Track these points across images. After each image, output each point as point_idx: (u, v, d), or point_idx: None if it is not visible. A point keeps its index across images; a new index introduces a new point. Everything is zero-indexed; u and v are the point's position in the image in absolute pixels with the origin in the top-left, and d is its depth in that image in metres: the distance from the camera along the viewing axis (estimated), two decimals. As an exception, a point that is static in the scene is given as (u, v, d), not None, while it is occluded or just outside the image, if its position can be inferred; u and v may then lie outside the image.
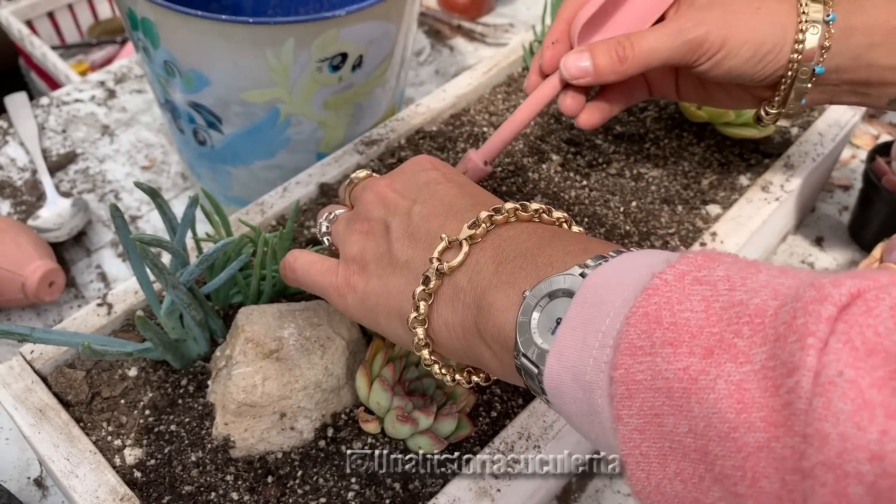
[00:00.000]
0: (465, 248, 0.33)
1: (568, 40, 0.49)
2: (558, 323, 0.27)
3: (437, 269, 0.33)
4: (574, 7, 0.49)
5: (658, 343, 0.24)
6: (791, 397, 0.21)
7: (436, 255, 0.33)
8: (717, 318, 0.23)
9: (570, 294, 0.27)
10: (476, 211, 0.34)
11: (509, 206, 0.34)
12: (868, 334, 0.20)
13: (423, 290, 0.33)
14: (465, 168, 0.51)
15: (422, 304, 0.33)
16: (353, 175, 0.43)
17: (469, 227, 0.33)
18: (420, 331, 0.34)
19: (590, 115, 0.50)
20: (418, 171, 0.39)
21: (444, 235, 0.33)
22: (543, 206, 0.34)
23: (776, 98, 0.48)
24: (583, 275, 0.28)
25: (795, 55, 0.45)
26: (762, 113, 0.49)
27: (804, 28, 0.44)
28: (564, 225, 0.35)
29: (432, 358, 0.35)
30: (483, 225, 0.33)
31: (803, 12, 0.44)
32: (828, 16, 0.44)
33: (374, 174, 0.43)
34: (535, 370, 0.28)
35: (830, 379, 0.20)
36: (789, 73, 0.45)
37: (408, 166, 0.40)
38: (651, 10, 0.48)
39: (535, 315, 0.28)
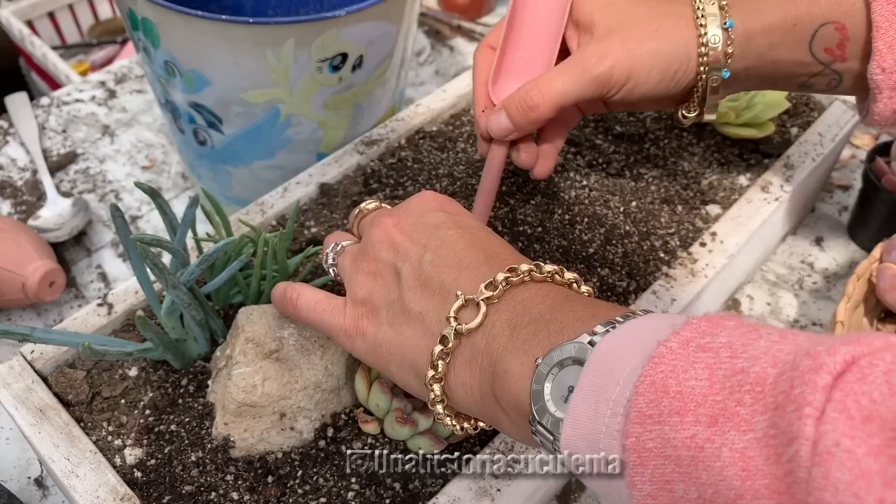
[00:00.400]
0: (483, 309, 0.33)
1: (492, 103, 0.50)
2: (570, 391, 0.28)
3: (455, 330, 0.33)
4: (484, 70, 0.50)
5: (666, 411, 0.25)
6: (792, 466, 0.21)
7: (452, 313, 0.33)
8: (720, 387, 0.24)
9: (580, 362, 0.28)
10: (490, 266, 0.35)
11: (524, 267, 0.34)
12: (863, 402, 0.21)
13: (442, 349, 0.33)
14: None
15: (440, 364, 0.33)
16: (362, 205, 0.43)
17: (486, 288, 0.33)
18: (437, 388, 0.34)
19: (542, 164, 0.51)
20: (426, 210, 0.38)
21: (459, 293, 0.34)
22: (557, 268, 0.35)
23: (693, 103, 0.48)
24: (591, 343, 0.28)
25: (702, 67, 0.45)
26: (681, 116, 0.50)
27: (706, 41, 0.45)
28: (575, 286, 0.35)
29: (446, 412, 0.35)
30: (500, 286, 0.33)
31: (701, 24, 0.45)
32: (725, 23, 0.44)
33: (384, 205, 0.42)
34: (551, 438, 0.29)
35: (828, 449, 0.21)
36: (699, 83, 0.46)
37: (416, 204, 0.39)
38: (548, 46, 0.49)
39: (548, 384, 0.29)
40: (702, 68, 0.45)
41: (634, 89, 0.46)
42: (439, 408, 0.35)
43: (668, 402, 0.25)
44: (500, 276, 0.33)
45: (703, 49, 0.45)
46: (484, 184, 0.51)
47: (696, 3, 0.45)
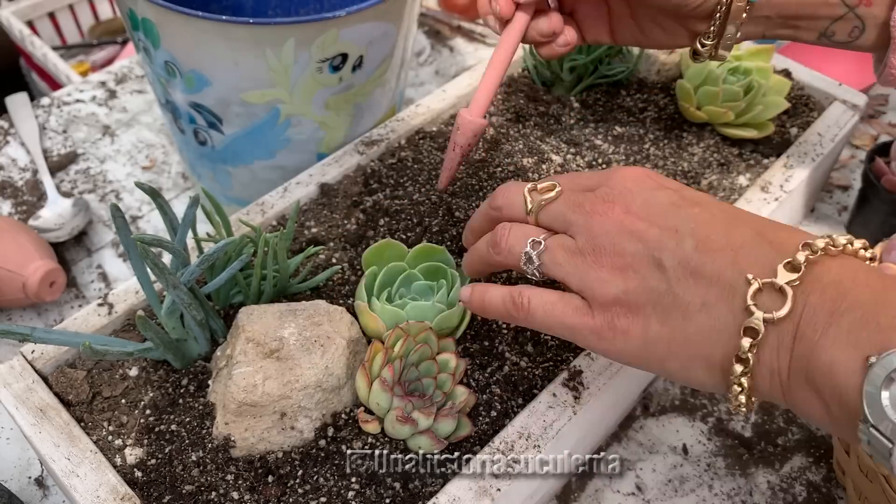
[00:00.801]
0: (790, 293, 0.30)
1: None
2: None
3: (763, 320, 0.30)
4: None
5: None
6: None
7: (750, 301, 0.31)
8: None
9: None
10: (767, 244, 0.32)
11: (820, 243, 0.31)
12: None
13: (752, 342, 0.31)
14: (461, 127, 0.49)
15: (750, 356, 0.31)
16: (536, 193, 0.38)
17: (788, 269, 0.30)
18: (746, 381, 0.31)
19: (567, 33, 0.50)
20: (648, 189, 0.35)
21: (750, 277, 0.31)
22: (847, 237, 0.32)
23: (711, 29, 0.46)
24: None
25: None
26: (698, 45, 0.48)
27: None
28: (870, 260, 0.33)
29: (747, 401, 0.32)
30: (802, 267, 0.30)
31: None
32: None
33: (569, 189, 0.38)
34: (890, 445, 0.27)
35: None
36: (724, 0, 0.44)
37: (630, 184, 0.36)
38: None
39: (885, 392, 0.27)
40: None
41: None
42: (742, 398, 0.32)
43: None
44: (801, 257, 0.30)
45: None
46: (495, 58, 0.48)
47: None
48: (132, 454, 0.43)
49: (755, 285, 0.31)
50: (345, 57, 0.57)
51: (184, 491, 0.41)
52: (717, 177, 0.62)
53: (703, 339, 0.32)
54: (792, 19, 0.45)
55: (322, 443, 0.43)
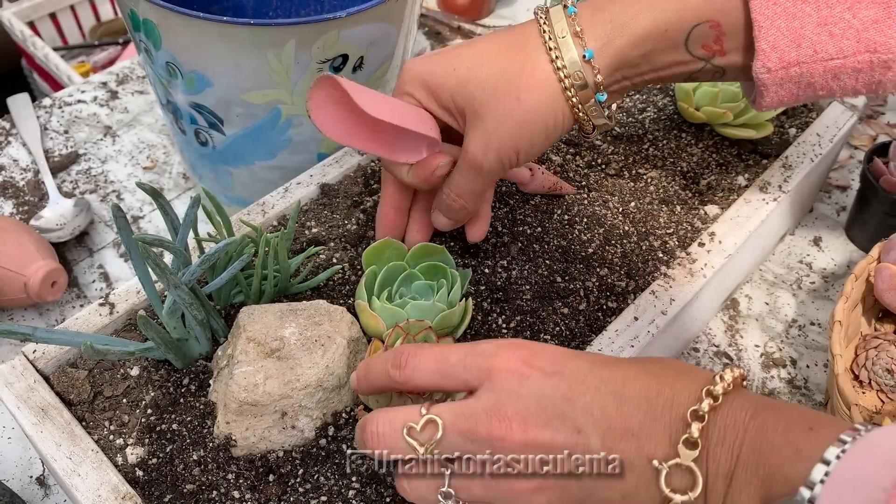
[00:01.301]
0: (699, 473, 0.32)
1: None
2: None
3: (683, 502, 0.32)
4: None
5: None
6: None
7: (665, 490, 0.32)
8: None
9: None
10: (658, 419, 0.33)
11: (705, 406, 0.32)
12: None
13: None
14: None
15: None
16: (422, 438, 0.36)
17: (688, 447, 0.32)
18: None
19: (479, 227, 0.52)
20: (535, 385, 0.35)
21: (656, 464, 0.32)
22: (723, 383, 0.33)
23: (586, 128, 0.46)
24: (812, 500, 0.28)
25: (577, 108, 0.43)
26: (583, 134, 0.48)
27: (569, 85, 0.42)
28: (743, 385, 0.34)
29: None
30: (700, 443, 0.32)
31: (559, 68, 0.42)
32: (584, 55, 0.42)
33: (449, 413, 0.36)
34: None
35: None
36: (582, 117, 0.44)
37: (513, 384, 0.35)
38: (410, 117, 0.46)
39: None
40: (577, 109, 0.43)
41: (529, 155, 0.45)
42: None
43: None
44: (695, 431, 0.32)
45: (570, 93, 0.42)
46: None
47: (547, 42, 0.42)
48: (133, 453, 0.43)
49: (664, 471, 0.32)
50: (345, 58, 0.57)
51: (185, 490, 0.41)
52: (715, 177, 0.62)
53: None
54: (652, 81, 0.45)
55: (323, 442, 0.43)
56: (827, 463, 0.28)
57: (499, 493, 0.35)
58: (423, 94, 0.45)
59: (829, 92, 0.41)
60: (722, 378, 0.33)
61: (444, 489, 0.36)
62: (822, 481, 0.28)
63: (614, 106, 0.45)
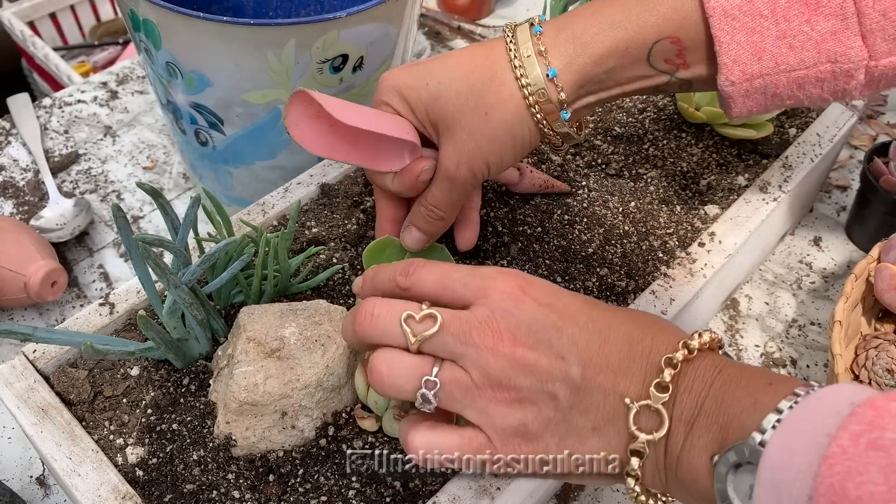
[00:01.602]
0: (666, 415, 0.34)
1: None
2: (751, 488, 0.30)
3: (647, 442, 0.34)
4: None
5: None
6: None
7: (632, 427, 0.34)
8: None
9: (755, 460, 0.30)
10: (640, 360, 0.35)
11: (679, 356, 0.34)
12: None
13: (640, 463, 0.34)
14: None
15: (639, 472, 0.34)
16: (417, 329, 0.37)
17: (659, 391, 0.34)
18: (639, 488, 0.35)
19: (468, 234, 0.52)
20: (525, 309, 0.36)
21: (628, 402, 0.34)
22: (701, 341, 0.35)
23: (554, 142, 0.47)
24: (762, 443, 0.30)
25: (542, 124, 0.44)
26: (552, 147, 0.49)
27: (533, 102, 0.43)
28: (720, 349, 0.37)
29: (648, 502, 0.36)
30: (671, 386, 0.34)
31: (524, 86, 0.43)
32: (547, 74, 0.43)
33: (431, 310, 0.37)
34: None
35: None
36: (548, 132, 0.45)
37: (508, 305, 0.36)
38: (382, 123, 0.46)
39: (730, 485, 0.31)
40: (542, 126, 0.44)
41: (500, 167, 0.46)
42: (642, 499, 0.35)
43: None
44: (667, 376, 0.34)
45: (534, 109, 0.44)
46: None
47: (512, 61, 0.43)
48: (133, 453, 0.43)
49: (634, 409, 0.34)
50: (345, 58, 0.57)
51: (185, 490, 0.41)
52: (715, 177, 0.62)
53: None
54: (618, 95, 0.46)
55: (323, 442, 0.43)
56: (779, 412, 0.30)
57: (478, 402, 0.36)
58: (399, 105, 0.46)
59: (797, 101, 0.42)
60: (699, 336, 0.35)
61: (428, 378, 0.36)
62: (773, 427, 0.30)
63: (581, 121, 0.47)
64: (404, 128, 0.45)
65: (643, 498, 0.35)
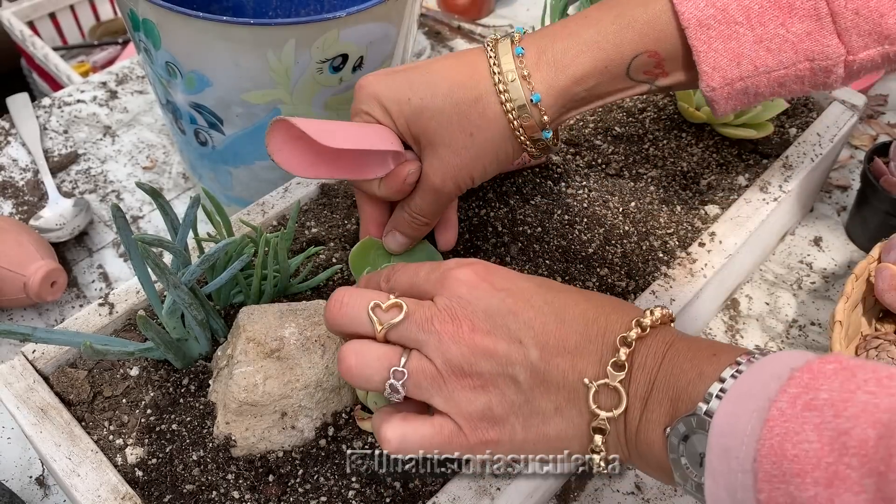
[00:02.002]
0: (623, 392, 0.35)
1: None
2: (702, 456, 0.31)
3: (608, 419, 0.35)
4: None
5: (788, 473, 0.27)
6: None
7: (593, 405, 0.35)
8: (829, 449, 0.27)
9: (703, 429, 0.31)
10: (595, 340, 0.36)
11: (632, 334, 0.35)
12: None
13: (602, 439, 0.36)
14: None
15: (602, 448, 0.36)
16: (384, 317, 0.38)
17: (616, 369, 0.35)
18: (603, 463, 0.36)
19: (449, 234, 0.53)
20: (482, 296, 0.37)
21: (587, 381, 0.35)
22: (651, 318, 0.36)
23: (532, 153, 0.48)
24: (709, 413, 0.31)
25: (526, 145, 0.46)
26: (531, 158, 0.49)
27: (518, 125, 0.44)
28: (670, 322, 0.38)
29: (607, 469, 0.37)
30: (626, 366, 0.35)
31: (508, 110, 0.44)
32: (531, 98, 0.44)
33: (400, 300, 0.38)
34: (700, 496, 0.32)
35: None
36: (529, 148, 0.46)
37: (464, 292, 0.37)
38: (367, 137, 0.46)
39: (683, 456, 0.33)
40: (525, 144, 0.46)
41: (483, 179, 0.47)
42: (604, 471, 0.37)
43: (788, 465, 0.27)
44: (623, 355, 0.35)
45: (518, 132, 0.45)
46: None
47: (497, 85, 0.44)
48: (133, 453, 0.43)
49: (593, 388, 0.35)
50: (345, 57, 0.57)
51: (184, 490, 0.41)
52: (716, 177, 0.62)
53: (562, 439, 0.37)
54: (600, 107, 0.47)
55: (322, 442, 0.43)
56: (722, 381, 0.32)
57: (444, 389, 0.37)
58: (380, 115, 0.46)
59: (779, 96, 0.44)
60: (651, 313, 0.36)
61: (396, 368, 0.37)
62: (718, 396, 0.31)
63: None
64: (387, 137, 0.46)
65: (604, 469, 0.37)
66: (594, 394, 0.35)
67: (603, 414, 0.35)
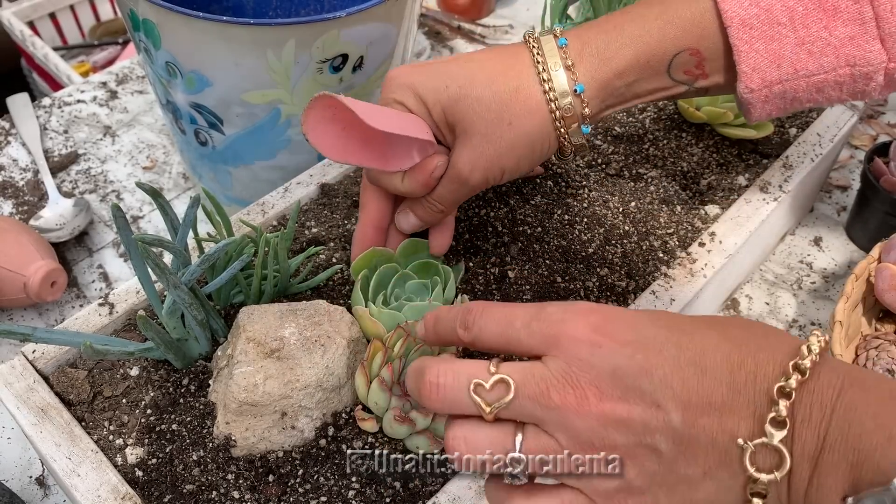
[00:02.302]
0: (787, 454, 0.30)
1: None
2: None
3: (768, 482, 0.30)
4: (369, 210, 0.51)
5: None
6: None
7: (750, 469, 0.30)
8: None
9: None
10: (742, 391, 0.31)
11: (792, 383, 0.30)
12: None
13: (762, 502, 0.31)
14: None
15: None
16: (489, 398, 0.33)
17: (776, 427, 0.30)
18: None
19: (442, 239, 0.52)
20: (604, 355, 0.32)
21: (741, 442, 0.30)
22: (815, 351, 0.31)
23: (566, 150, 0.47)
24: None
25: (563, 139, 0.45)
26: (560, 156, 0.49)
27: (559, 116, 0.44)
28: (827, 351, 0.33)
29: None
30: (788, 422, 0.30)
31: (551, 100, 0.44)
32: (575, 89, 0.43)
33: (501, 374, 0.33)
34: None
35: None
36: (565, 142, 0.46)
37: (584, 353, 0.32)
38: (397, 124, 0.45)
39: None
40: (563, 139, 0.45)
41: (514, 174, 0.47)
42: None
43: None
44: (784, 409, 0.30)
45: (559, 123, 0.44)
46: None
47: (540, 74, 0.43)
48: (133, 454, 0.43)
49: (749, 450, 0.30)
50: (345, 57, 0.57)
51: (184, 490, 0.41)
52: (716, 177, 0.62)
53: (713, 502, 0.32)
54: (636, 105, 0.47)
55: (322, 442, 0.43)
56: None
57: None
58: (415, 104, 0.46)
59: (816, 103, 0.43)
60: (809, 350, 0.31)
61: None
62: None
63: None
64: (423, 127, 0.45)
65: None
66: (751, 455, 0.30)
67: (763, 477, 0.30)
